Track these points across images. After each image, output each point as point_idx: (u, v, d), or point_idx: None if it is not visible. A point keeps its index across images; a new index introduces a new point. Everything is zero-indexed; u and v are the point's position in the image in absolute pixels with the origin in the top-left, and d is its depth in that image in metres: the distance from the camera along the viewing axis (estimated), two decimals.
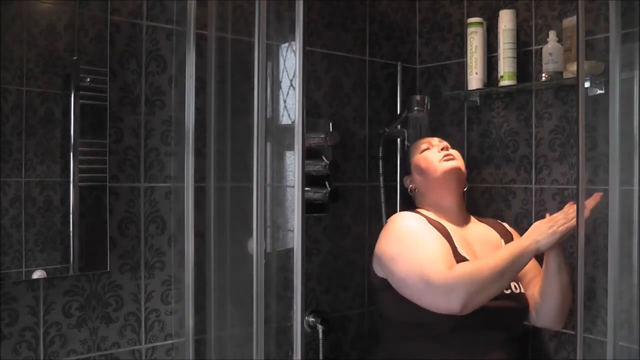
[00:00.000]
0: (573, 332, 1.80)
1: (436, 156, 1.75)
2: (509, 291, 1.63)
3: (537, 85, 1.85)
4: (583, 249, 1.29)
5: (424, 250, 1.58)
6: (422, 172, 1.77)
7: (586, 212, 1.51)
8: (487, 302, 1.53)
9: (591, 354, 1.72)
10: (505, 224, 1.84)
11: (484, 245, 1.72)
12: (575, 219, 1.52)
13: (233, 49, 1.66)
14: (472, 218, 1.83)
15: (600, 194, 1.53)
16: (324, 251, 2.00)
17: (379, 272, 1.68)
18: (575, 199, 1.77)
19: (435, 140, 1.81)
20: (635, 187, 1.32)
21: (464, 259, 1.61)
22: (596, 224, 1.71)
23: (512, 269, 1.54)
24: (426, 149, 1.79)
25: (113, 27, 1.58)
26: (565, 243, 1.70)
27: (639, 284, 1.31)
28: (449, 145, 1.80)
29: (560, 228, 1.55)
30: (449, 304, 1.49)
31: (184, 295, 1.64)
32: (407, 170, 1.85)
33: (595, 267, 1.71)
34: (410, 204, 1.86)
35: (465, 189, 1.81)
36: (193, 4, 1.63)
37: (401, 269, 1.59)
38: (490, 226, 1.81)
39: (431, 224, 1.67)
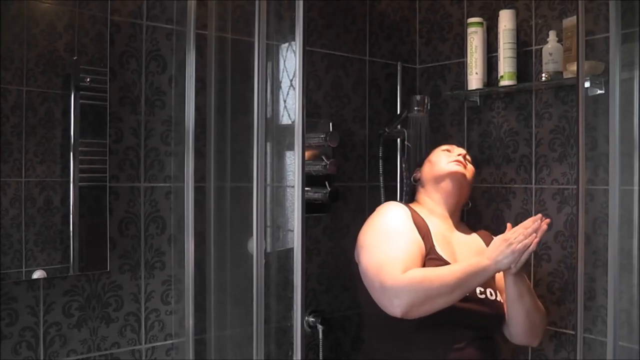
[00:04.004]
0: (573, 332, 1.81)
1: (450, 158, 1.77)
2: (483, 296, 1.62)
3: (537, 85, 1.85)
4: (583, 249, 1.29)
5: (390, 248, 1.59)
6: (431, 163, 1.80)
7: (534, 244, 1.51)
8: (457, 303, 1.53)
9: (591, 354, 1.72)
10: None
11: (468, 250, 1.73)
12: (533, 237, 1.51)
13: (233, 49, 1.66)
14: (464, 226, 1.85)
15: (548, 220, 1.54)
16: (324, 251, 2.00)
17: (356, 257, 1.70)
18: (575, 199, 1.78)
19: (459, 149, 1.83)
20: (635, 187, 1.32)
21: (439, 258, 1.63)
22: (596, 224, 1.71)
23: (465, 286, 1.52)
24: (446, 150, 1.82)
25: (113, 27, 1.58)
26: (527, 268, 1.71)
27: (639, 284, 1.31)
28: (469, 158, 1.81)
29: (519, 246, 1.50)
30: (392, 308, 1.52)
31: (184, 295, 1.64)
32: (420, 163, 1.88)
33: (595, 267, 1.71)
34: (412, 195, 1.89)
35: (467, 206, 1.84)
36: (193, 4, 1.63)
37: (365, 260, 1.62)
38: (480, 237, 1.83)
39: (415, 219, 1.69)
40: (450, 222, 1.78)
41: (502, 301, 1.67)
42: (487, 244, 1.77)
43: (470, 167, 1.79)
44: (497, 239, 1.56)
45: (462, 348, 1.58)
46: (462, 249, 1.73)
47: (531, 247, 1.51)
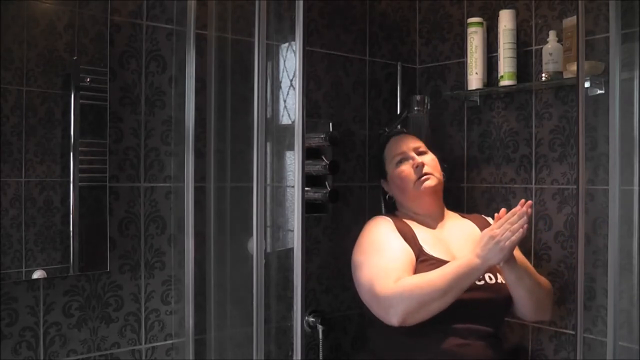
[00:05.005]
0: (573, 332, 1.80)
1: (412, 173, 1.75)
2: (482, 282, 1.63)
3: (537, 85, 1.85)
4: (583, 249, 1.29)
5: (378, 262, 1.62)
6: (399, 187, 1.79)
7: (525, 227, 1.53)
8: (461, 295, 1.54)
9: (591, 354, 1.72)
10: (488, 218, 1.83)
11: (464, 241, 1.73)
12: (521, 233, 1.52)
13: (233, 49, 1.66)
14: (454, 215, 1.85)
15: (530, 202, 1.55)
16: (324, 251, 2.00)
17: (354, 279, 1.72)
18: (575, 199, 1.77)
19: (409, 149, 1.79)
20: (635, 187, 1.32)
21: (431, 258, 1.64)
22: (596, 224, 1.71)
23: (457, 287, 1.53)
24: (400, 161, 1.79)
25: (113, 27, 1.58)
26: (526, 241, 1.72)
27: (639, 284, 1.31)
28: (425, 150, 1.79)
29: (507, 244, 1.52)
30: (389, 318, 1.55)
31: (184, 295, 1.64)
32: (383, 174, 1.86)
33: (595, 267, 1.71)
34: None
35: (444, 180, 1.82)
36: (193, 4, 1.63)
37: (359, 277, 1.66)
38: (472, 221, 1.83)
39: (399, 227, 1.71)
40: (437, 219, 1.79)
41: (503, 282, 1.66)
42: (481, 227, 1.76)
43: (431, 162, 1.76)
44: (485, 235, 1.56)
45: (467, 345, 1.57)
46: (457, 241, 1.73)
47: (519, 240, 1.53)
